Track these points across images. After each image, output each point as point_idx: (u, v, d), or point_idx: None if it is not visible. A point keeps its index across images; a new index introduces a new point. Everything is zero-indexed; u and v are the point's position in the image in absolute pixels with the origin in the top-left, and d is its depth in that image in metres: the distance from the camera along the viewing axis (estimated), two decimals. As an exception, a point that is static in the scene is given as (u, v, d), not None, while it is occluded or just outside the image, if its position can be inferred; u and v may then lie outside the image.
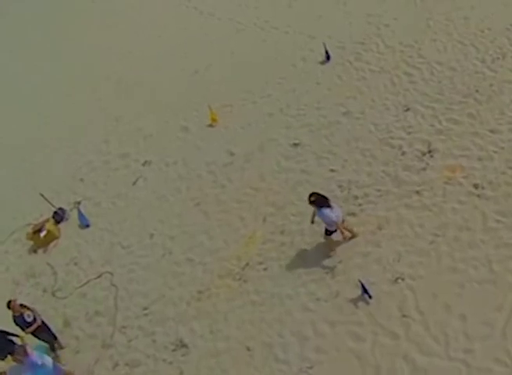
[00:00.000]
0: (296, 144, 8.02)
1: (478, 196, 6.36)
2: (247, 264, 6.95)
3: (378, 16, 9.85)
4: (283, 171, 7.76)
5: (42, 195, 9.18)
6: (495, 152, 6.71)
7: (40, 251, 9.07)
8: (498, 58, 7.82)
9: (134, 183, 9.15)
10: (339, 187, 7.13)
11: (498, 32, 8.30)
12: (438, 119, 7.33)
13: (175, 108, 10.41)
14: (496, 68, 7.68)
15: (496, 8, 8.87)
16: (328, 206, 5.82)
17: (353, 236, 6.42)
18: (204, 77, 10.83)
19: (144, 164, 9.38)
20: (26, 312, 6.67)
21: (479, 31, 8.43)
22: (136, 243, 8.21)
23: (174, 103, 10.56)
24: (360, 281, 5.80)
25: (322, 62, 9.41)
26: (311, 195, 5.83)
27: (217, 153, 8.65)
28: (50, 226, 9.20)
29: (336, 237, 6.26)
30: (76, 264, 8.50)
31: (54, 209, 9.35)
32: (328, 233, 6.15)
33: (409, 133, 7.34)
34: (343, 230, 6.03)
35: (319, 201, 5.77)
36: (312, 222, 6.39)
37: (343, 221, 6.13)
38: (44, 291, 8.30)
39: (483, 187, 6.39)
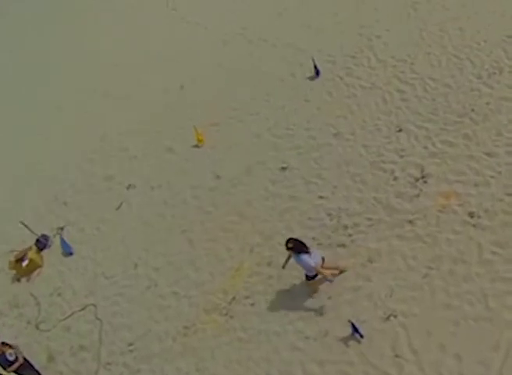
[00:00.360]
0: (284, 168, 7.80)
1: (474, 226, 6.13)
2: (234, 298, 6.77)
3: (370, 26, 9.59)
4: (271, 197, 7.56)
5: (22, 223, 9.07)
6: (491, 177, 6.46)
7: (23, 279, 9.00)
8: (494, 73, 7.55)
9: (118, 208, 9.06)
10: (329, 215, 6.92)
11: (494, 44, 8.02)
12: (431, 140, 7.09)
13: (160, 126, 10.23)
14: (492, 84, 7.42)
15: (492, 19, 8.60)
16: (307, 252, 5.63)
17: (342, 271, 6.22)
18: (190, 92, 10.62)
19: (128, 187, 9.22)
20: (8, 351, 6.63)
21: (475, 44, 8.17)
22: (121, 273, 8.07)
23: (159, 121, 10.38)
24: (350, 321, 5.63)
25: (311, 78, 9.18)
26: (288, 241, 5.64)
27: (203, 176, 8.46)
28: (32, 254, 9.08)
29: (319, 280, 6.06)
30: (59, 295, 8.40)
31: (36, 237, 9.31)
32: (309, 278, 5.97)
33: (401, 156, 7.11)
34: (325, 273, 5.80)
35: (297, 247, 5.59)
36: (283, 267, 6.18)
37: (323, 262, 5.90)
38: (28, 322, 8.19)
39: (479, 216, 6.17)
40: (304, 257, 5.61)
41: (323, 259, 6.00)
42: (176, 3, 14.40)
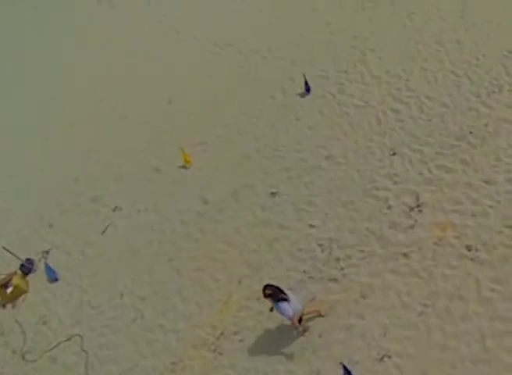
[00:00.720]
0: (273, 193, 7.54)
1: (472, 260, 5.89)
2: (222, 333, 6.54)
3: (364, 38, 9.25)
4: (259, 224, 7.30)
5: (5, 249, 8.83)
6: (490, 207, 6.21)
7: (8, 306, 8.82)
8: (494, 91, 7.25)
9: (104, 232, 8.83)
10: (320, 246, 6.66)
11: (494, 59, 7.71)
12: (427, 165, 6.81)
13: (147, 144, 9.94)
14: (491, 103, 7.13)
15: (490, 30, 8.27)
16: (285, 299, 5.35)
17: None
18: (178, 108, 10.31)
19: (114, 210, 8.97)
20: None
21: (473, 58, 7.85)
22: (107, 302, 7.84)
23: (147, 138, 10.09)
24: (342, 364, 5.42)
25: (302, 95, 8.87)
26: (265, 287, 5.39)
27: (190, 200, 8.20)
28: (17, 280, 8.84)
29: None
30: (45, 323, 8.19)
31: (21, 262, 9.09)
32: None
33: (395, 182, 6.84)
34: (297, 326, 5.57)
35: (275, 294, 5.34)
36: (271, 310, 5.91)
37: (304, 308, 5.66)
38: (14, 352, 7.99)
39: (477, 250, 5.92)
40: (283, 305, 5.35)
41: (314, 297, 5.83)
42: (166, 13, 13.97)
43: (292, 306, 5.41)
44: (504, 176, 6.42)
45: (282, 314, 5.53)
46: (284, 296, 5.36)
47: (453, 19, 8.81)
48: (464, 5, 9.07)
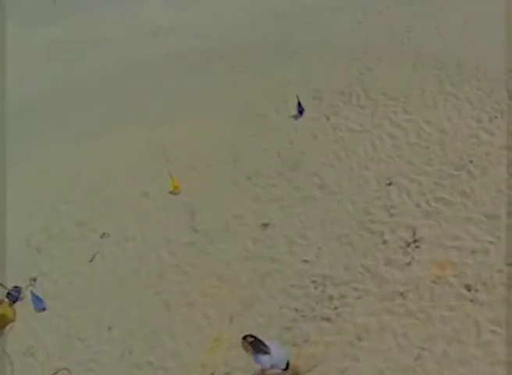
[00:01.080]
0: (265, 225, 7.35)
1: (471, 301, 5.71)
2: (213, 374, 6.46)
3: (362, 54, 9.03)
4: (251, 257, 7.09)
5: (-9, 279, 8.71)
6: (490, 243, 6.02)
7: (-5, 334, 8.80)
8: (496, 116, 7.07)
9: (91, 260, 8.67)
10: (313, 282, 6.46)
11: (496, 80, 7.50)
12: (425, 197, 6.62)
13: (136, 167, 9.64)
14: (493, 130, 6.92)
15: (492, 47, 8.03)
16: (266, 352, 5.04)
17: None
18: (167, 129, 10.01)
19: (102, 236, 8.75)
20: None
21: (475, 79, 7.64)
22: (95, 335, 7.66)
23: (135, 161, 9.79)
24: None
25: (295, 117, 8.66)
26: (244, 337, 5.09)
27: (179, 229, 7.98)
28: (4, 309, 8.63)
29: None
30: (32, 355, 8.01)
31: (7, 290, 8.96)
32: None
33: (391, 215, 6.64)
34: None
35: (255, 346, 5.02)
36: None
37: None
38: (1, 383, 8.01)
39: (476, 290, 5.75)
40: (263, 359, 5.02)
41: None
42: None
43: (273, 359, 5.11)
44: (505, 209, 6.24)
45: (262, 366, 5.28)
46: (265, 349, 5.06)
47: (453, 36, 8.57)
48: (465, 20, 8.90)
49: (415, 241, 6.29)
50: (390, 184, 7.00)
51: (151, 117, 10.63)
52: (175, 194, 8.58)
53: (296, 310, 6.37)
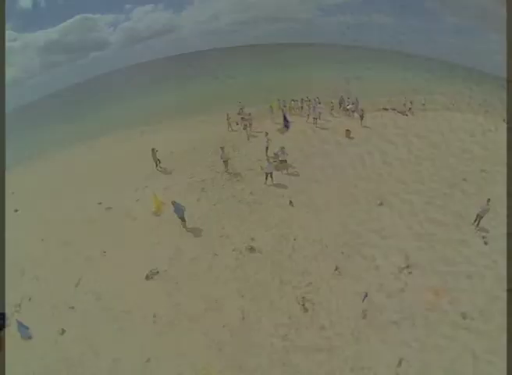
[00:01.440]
0: (251, 248, 6.95)
1: (467, 329, 5.57)
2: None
3: (350, 61, 8.66)
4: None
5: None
6: (486, 267, 5.87)
7: (-15, 364, 8.51)
8: (490, 130, 6.80)
9: (77, 285, 8.36)
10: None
11: (490, 90, 7.21)
12: (417, 218, 6.44)
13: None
14: (487, 144, 6.67)
15: (487, 54, 7.73)
16: None
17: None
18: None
19: (86, 260, 8.54)
20: None
21: (468, 89, 7.35)
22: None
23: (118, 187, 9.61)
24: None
25: (282, 131, 8.32)
26: None
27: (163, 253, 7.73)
28: (-9, 338, 8.55)
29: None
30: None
31: (-6, 319, 8.67)
32: None
33: (383, 237, 6.44)
34: None
35: None
36: None
37: None
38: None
39: (472, 318, 5.58)
40: None
41: None
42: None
43: None
44: (501, 231, 6.06)
45: None
46: None
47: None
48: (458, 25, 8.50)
49: (407, 267, 6.03)
50: (381, 205, 6.69)
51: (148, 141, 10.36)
52: (157, 215, 8.39)
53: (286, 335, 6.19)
